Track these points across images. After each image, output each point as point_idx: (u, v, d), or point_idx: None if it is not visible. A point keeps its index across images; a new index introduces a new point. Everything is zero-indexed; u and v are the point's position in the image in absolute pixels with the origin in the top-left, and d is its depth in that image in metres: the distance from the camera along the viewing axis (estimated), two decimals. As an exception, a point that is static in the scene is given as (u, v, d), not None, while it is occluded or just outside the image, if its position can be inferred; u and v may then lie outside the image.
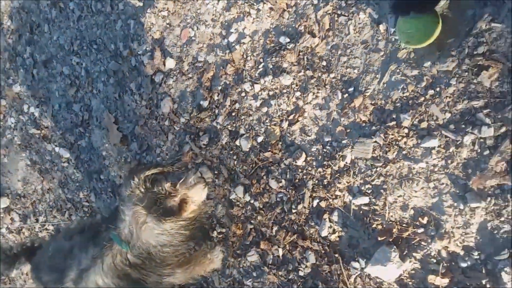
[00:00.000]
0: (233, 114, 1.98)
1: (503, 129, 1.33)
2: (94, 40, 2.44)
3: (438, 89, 1.45)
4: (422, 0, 1.38)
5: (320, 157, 1.73)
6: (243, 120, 1.95)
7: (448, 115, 1.43)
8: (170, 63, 2.18)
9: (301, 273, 1.77)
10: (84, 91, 2.50)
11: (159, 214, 1.46)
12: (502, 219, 1.35)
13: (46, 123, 2.72)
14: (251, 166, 1.92)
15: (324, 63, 1.71)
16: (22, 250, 2.12)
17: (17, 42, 2.90)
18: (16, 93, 2.89)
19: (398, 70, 1.54)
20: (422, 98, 1.49)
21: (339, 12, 1.65)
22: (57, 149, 2.64)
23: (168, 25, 2.17)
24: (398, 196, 1.55)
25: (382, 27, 1.56)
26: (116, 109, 2.38)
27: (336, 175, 1.69)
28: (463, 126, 1.40)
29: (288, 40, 1.79)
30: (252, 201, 1.91)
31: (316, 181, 1.74)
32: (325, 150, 1.72)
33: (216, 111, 2.04)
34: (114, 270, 1.58)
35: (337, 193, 1.68)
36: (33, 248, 2.11)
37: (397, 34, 1.48)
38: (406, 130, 1.52)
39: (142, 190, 1.51)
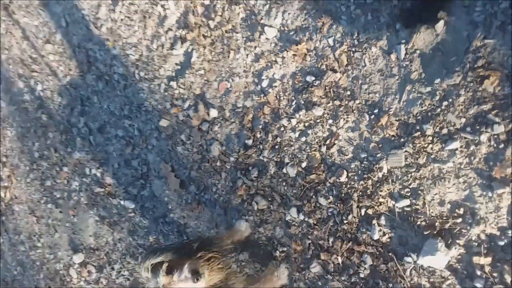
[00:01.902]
0: (276, 147, 2.29)
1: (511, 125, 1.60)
2: (142, 103, 2.82)
3: (450, 100, 1.73)
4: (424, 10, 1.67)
5: (359, 171, 2.02)
6: (286, 150, 2.26)
7: (463, 120, 1.71)
8: (213, 113, 2.52)
9: (361, 275, 2.02)
10: (140, 148, 2.86)
11: None
12: (527, 199, 1.60)
13: (109, 181, 3.08)
14: (300, 189, 2.21)
15: (348, 92, 2.02)
16: None
17: (70, 115, 3.31)
18: (77, 159, 3.28)
19: (413, 89, 1.83)
20: (439, 109, 1.77)
21: (353, 49, 1.97)
22: (122, 202, 2.99)
23: (206, 81, 2.53)
24: (434, 194, 1.81)
25: (393, 56, 1.87)
26: (171, 159, 2.72)
27: (377, 185, 1.96)
28: (478, 127, 1.68)
29: (313, 78, 2.11)
30: (306, 219, 2.19)
31: (360, 193, 2.02)
32: (363, 165, 2.01)
33: (261, 147, 2.35)
34: None
35: (381, 200, 1.95)
36: None
37: None
38: (430, 138, 1.80)
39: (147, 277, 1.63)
